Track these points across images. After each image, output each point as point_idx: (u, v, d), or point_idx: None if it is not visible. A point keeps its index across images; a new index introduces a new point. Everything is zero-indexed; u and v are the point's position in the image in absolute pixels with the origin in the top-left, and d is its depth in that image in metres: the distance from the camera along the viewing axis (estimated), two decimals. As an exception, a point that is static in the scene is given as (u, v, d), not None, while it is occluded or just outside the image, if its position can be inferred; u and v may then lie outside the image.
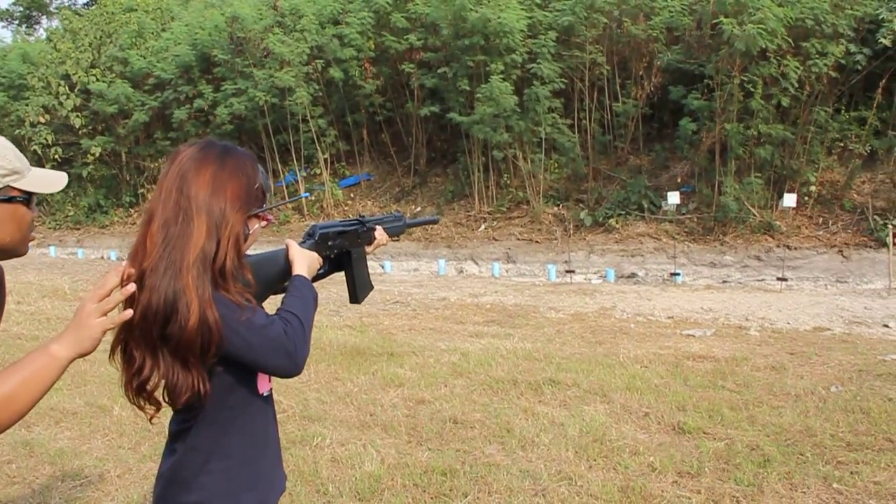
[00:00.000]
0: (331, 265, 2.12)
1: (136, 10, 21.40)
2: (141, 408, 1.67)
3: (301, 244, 1.96)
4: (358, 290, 2.18)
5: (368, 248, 2.21)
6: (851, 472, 3.93)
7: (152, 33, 20.56)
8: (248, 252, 1.80)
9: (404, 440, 4.63)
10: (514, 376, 5.96)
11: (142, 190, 20.52)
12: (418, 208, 16.17)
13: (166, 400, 1.65)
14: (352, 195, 17.39)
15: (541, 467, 4.10)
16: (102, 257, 18.40)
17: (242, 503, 1.72)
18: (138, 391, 1.63)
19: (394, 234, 2.32)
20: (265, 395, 1.81)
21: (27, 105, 20.15)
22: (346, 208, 17.00)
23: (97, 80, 19.65)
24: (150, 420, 1.70)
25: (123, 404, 5.44)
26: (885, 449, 4.25)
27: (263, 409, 1.81)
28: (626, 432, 4.67)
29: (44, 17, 37.03)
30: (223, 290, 1.60)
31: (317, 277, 2.00)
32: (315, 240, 2.01)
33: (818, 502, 3.64)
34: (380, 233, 2.23)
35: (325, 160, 17.15)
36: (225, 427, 1.70)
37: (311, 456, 4.35)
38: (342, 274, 2.20)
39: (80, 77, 19.88)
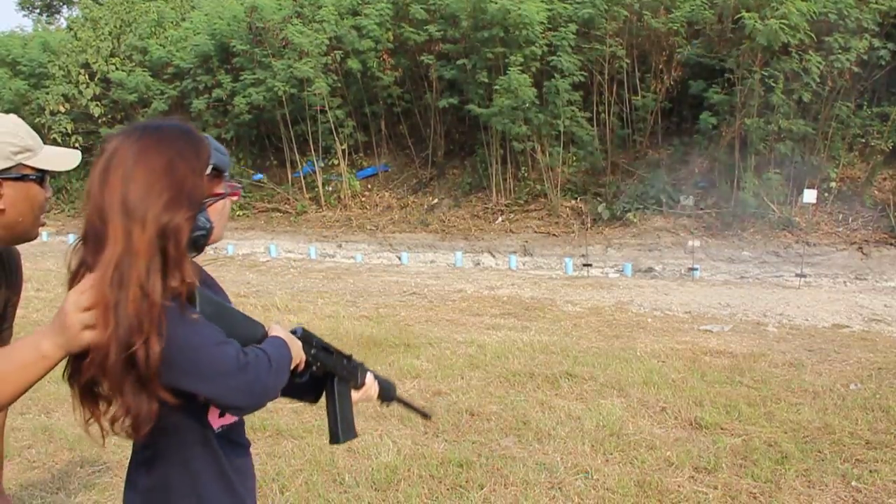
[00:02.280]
0: (313, 384, 1.86)
1: (156, -1, 21.51)
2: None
3: None
4: (340, 428, 1.87)
5: (355, 394, 1.92)
6: (870, 471, 3.90)
7: (172, 23, 20.63)
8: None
9: (420, 431, 4.64)
10: (531, 369, 5.95)
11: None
12: (435, 200, 16.17)
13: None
14: (369, 186, 17.40)
15: (557, 460, 4.09)
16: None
17: None
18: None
19: (384, 397, 2.05)
20: (219, 430, 1.59)
21: (47, 93, 20.28)
22: (363, 199, 17.02)
23: (117, 69, 19.74)
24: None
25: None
26: (905, 448, 4.22)
27: (215, 447, 1.58)
28: (643, 427, 4.65)
29: (64, 6, 37.18)
30: (174, 297, 1.37)
31: (292, 390, 1.75)
32: (298, 336, 1.68)
33: (836, 500, 3.62)
34: (370, 380, 1.95)
35: (343, 151, 17.17)
36: (175, 462, 1.55)
37: (328, 446, 4.36)
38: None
39: (99, 66, 19.98)
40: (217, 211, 1.57)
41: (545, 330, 7.61)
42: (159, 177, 1.38)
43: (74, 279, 1.39)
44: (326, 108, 16.50)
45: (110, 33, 20.77)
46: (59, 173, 1.80)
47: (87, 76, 20.09)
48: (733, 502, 3.61)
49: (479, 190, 15.78)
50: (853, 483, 3.77)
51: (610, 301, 9.29)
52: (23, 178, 1.67)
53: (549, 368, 5.96)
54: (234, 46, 17.47)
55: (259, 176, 18.52)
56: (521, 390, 5.47)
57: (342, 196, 16.96)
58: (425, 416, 2.33)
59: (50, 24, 31.44)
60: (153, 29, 20.45)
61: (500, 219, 14.95)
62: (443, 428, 4.68)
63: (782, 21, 11.36)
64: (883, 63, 12.09)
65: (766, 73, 12.10)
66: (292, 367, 1.59)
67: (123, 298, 1.30)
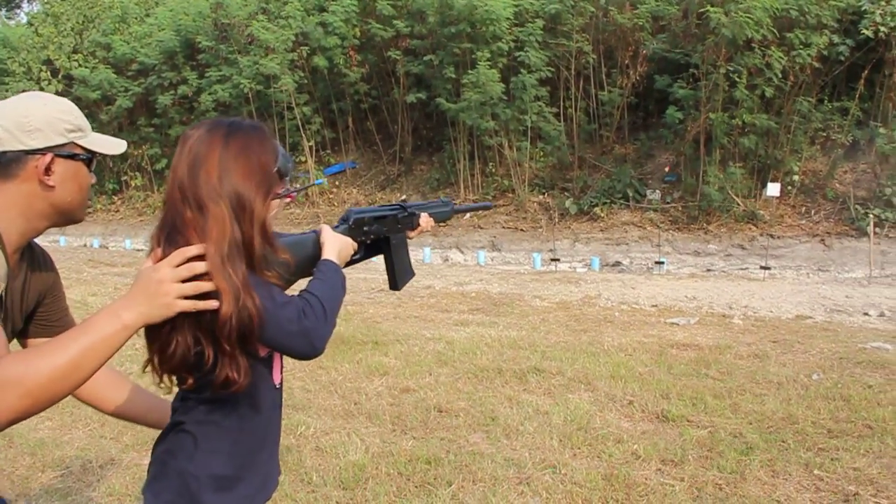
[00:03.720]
0: (367, 250, 2.06)
1: (120, -6, 21.22)
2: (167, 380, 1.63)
3: (334, 229, 1.91)
4: (398, 276, 2.12)
5: (411, 234, 2.16)
6: (832, 459, 3.96)
7: (136, 18, 20.39)
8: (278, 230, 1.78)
9: (389, 429, 4.63)
10: (499, 365, 5.97)
11: (125, 177, 20.35)
12: (403, 196, 16.13)
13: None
14: (337, 183, 17.32)
15: (525, 455, 4.11)
16: (85, 245, 18.28)
17: (232, 489, 1.69)
18: (173, 371, 1.59)
19: (441, 219, 2.27)
20: (278, 385, 1.78)
21: (7, 91, 19.92)
22: (331, 196, 16.95)
23: (80, 65, 19.46)
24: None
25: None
26: (865, 435, 4.29)
27: (273, 399, 1.77)
28: (611, 420, 4.68)
29: (25, 0, 36.56)
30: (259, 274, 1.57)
31: (352, 262, 1.94)
32: (349, 224, 1.95)
33: (799, 489, 3.67)
34: (424, 219, 2.17)
35: (311, 148, 17.08)
36: (232, 410, 1.67)
37: (296, 445, 4.34)
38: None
39: (62, 62, 19.69)
40: (271, 208, 1.72)
41: (513, 325, 7.63)
42: (255, 169, 1.59)
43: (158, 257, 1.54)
44: (293, 105, 16.41)
45: (73, 29, 20.48)
46: (105, 158, 1.88)
47: (49, 73, 19.79)
48: (699, 494, 3.64)
49: (446, 186, 15.78)
50: (815, 471, 3.83)
51: (577, 295, 9.34)
52: (73, 157, 1.71)
53: (518, 364, 5.98)
54: (199, 42, 17.32)
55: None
56: (490, 386, 5.48)
57: (309, 193, 16.88)
58: (487, 207, 2.65)
59: (10, 18, 30.92)
60: (117, 25, 20.19)
61: (468, 215, 14.96)
62: (411, 425, 4.68)
63: (747, 16, 11.49)
64: (842, 59, 12.28)
65: (730, 69, 12.23)
66: (346, 262, 1.85)
67: (236, 271, 1.49)
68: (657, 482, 3.76)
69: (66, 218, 1.76)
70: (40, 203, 1.68)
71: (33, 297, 1.84)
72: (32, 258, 1.83)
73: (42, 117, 1.66)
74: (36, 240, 1.80)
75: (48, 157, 1.65)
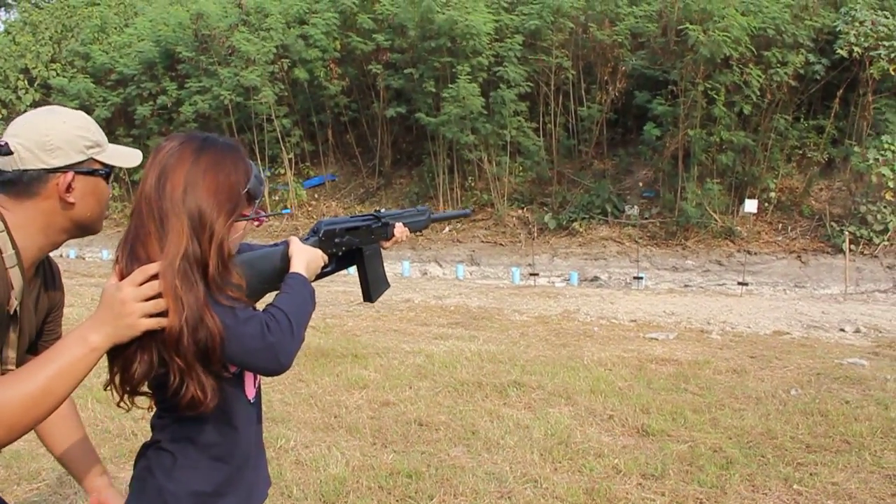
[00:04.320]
0: (340, 261, 2.01)
1: (99, 4, 21.12)
2: (131, 404, 1.60)
3: (304, 241, 1.86)
4: (371, 288, 2.08)
5: (386, 244, 2.12)
6: (811, 474, 3.99)
7: (115, 28, 20.27)
8: (252, 242, 1.76)
9: (369, 442, 4.60)
10: (479, 378, 5.95)
11: (102, 187, 20.18)
12: (382, 209, 16.09)
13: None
14: (316, 196, 17.28)
15: (506, 469, 4.10)
16: (61, 255, 18.07)
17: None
18: (133, 390, 1.56)
19: (417, 228, 2.23)
20: (252, 400, 1.76)
21: (-17, 99, 19.78)
22: (310, 209, 16.90)
23: (57, 74, 19.31)
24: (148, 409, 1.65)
25: (82, 406, 5.35)
26: (843, 450, 4.33)
27: (248, 415, 1.75)
28: (591, 435, 4.69)
29: (1, 8, 36.25)
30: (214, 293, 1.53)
31: (323, 274, 1.90)
32: (319, 237, 1.90)
33: (779, 503, 3.69)
34: (399, 229, 2.14)
35: (290, 160, 17.04)
36: (207, 427, 1.65)
37: (275, 458, 4.30)
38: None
39: (39, 71, 19.53)
40: (237, 229, 1.70)
41: (493, 339, 7.63)
42: (222, 188, 1.56)
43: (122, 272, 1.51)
44: (273, 117, 16.37)
45: (51, 38, 20.34)
46: (123, 170, 1.87)
47: (26, 82, 19.63)
48: (680, 508, 3.65)
49: (426, 199, 15.78)
50: (795, 486, 3.85)
51: (557, 310, 9.36)
52: (93, 172, 1.70)
53: (498, 378, 5.97)
54: (179, 53, 17.25)
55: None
56: (470, 400, 5.47)
57: (289, 205, 16.82)
58: (465, 215, 2.65)
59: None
60: (96, 34, 20.07)
61: (447, 228, 14.98)
62: (391, 438, 4.65)
63: (725, 34, 11.64)
64: (818, 77, 12.45)
65: (708, 86, 12.37)
66: (315, 275, 1.81)
67: (190, 288, 1.46)
68: (638, 497, 3.76)
69: (84, 231, 1.77)
70: (60, 219, 1.69)
71: (43, 311, 1.84)
72: (46, 273, 1.83)
73: (62, 135, 1.65)
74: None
75: (69, 175, 1.65)
